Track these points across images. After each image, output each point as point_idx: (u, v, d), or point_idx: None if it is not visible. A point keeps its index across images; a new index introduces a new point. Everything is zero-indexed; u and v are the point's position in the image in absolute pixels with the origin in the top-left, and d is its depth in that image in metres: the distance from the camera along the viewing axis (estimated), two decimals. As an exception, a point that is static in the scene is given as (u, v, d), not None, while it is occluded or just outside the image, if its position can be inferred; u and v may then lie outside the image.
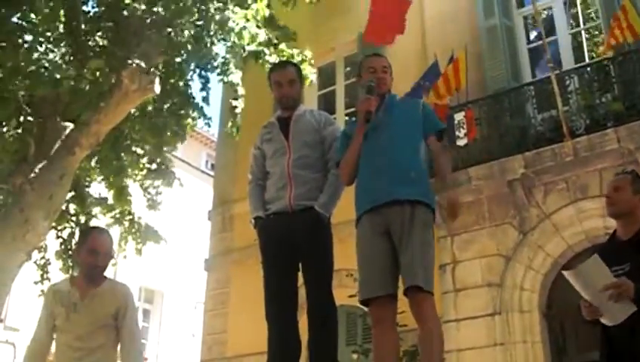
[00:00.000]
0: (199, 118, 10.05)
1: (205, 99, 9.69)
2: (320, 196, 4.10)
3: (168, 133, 9.97)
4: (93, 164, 10.29)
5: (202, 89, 9.72)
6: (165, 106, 9.86)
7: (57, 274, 11.11)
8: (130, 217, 11.30)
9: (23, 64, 7.94)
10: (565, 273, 3.43)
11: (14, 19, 8.27)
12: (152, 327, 20.64)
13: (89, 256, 4.10)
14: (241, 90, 9.13)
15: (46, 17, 8.13)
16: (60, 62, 8.42)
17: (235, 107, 9.12)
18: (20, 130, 9.10)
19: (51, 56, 8.51)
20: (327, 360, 3.97)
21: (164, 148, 10.70)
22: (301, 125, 4.30)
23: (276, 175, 4.21)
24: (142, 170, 10.98)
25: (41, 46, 8.41)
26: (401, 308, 3.70)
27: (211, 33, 8.78)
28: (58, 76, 7.99)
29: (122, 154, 10.20)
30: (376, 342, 3.69)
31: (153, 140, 10.17)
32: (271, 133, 4.36)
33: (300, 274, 4.12)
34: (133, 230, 11.27)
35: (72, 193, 10.33)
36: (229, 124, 9.30)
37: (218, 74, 9.11)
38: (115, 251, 4.35)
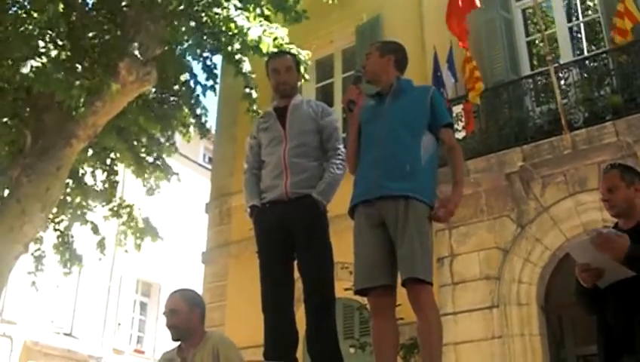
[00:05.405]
0: (197, 109, 10.03)
1: (212, 88, 9.61)
2: (318, 184, 4.06)
3: (180, 128, 9.93)
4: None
5: (208, 78, 9.66)
6: (169, 97, 9.83)
7: (54, 267, 11.14)
8: (129, 210, 11.28)
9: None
10: (573, 243, 3.40)
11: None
12: (149, 320, 20.65)
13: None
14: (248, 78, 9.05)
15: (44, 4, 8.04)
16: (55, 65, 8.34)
17: (250, 94, 9.03)
18: (16, 122, 9.08)
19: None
20: (329, 349, 3.93)
21: (169, 143, 10.68)
22: (298, 114, 4.27)
23: (272, 164, 4.17)
24: (140, 162, 10.96)
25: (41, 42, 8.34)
26: (397, 300, 3.66)
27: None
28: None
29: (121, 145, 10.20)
30: (375, 333, 3.65)
31: (156, 131, 10.12)
32: (268, 123, 4.33)
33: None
34: (132, 223, 11.25)
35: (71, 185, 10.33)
36: (247, 109, 9.16)
37: (228, 61, 9.01)
38: (193, 306, 4.13)
